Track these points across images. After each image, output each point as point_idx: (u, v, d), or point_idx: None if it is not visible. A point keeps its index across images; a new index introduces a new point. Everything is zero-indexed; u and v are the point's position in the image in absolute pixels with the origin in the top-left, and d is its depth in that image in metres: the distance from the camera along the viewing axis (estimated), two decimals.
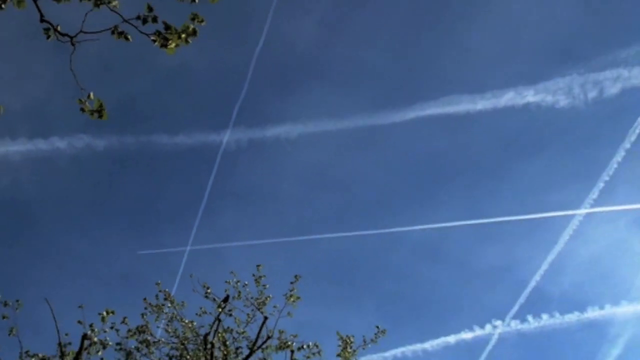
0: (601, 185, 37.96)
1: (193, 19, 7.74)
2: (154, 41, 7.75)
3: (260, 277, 19.45)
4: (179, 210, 45.41)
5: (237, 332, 19.18)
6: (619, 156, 37.58)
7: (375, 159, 48.28)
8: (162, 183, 45.28)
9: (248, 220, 46.73)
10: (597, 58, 40.24)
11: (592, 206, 38.77)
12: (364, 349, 19.64)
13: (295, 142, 41.28)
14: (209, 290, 19.29)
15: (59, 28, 7.53)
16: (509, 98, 38.73)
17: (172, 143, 38.51)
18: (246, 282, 19.37)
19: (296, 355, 19.37)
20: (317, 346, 19.59)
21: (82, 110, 7.72)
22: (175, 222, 44.32)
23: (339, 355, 19.56)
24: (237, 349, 19.13)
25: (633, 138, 37.28)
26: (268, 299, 19.29)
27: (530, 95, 38.24)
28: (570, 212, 39.14)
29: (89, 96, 7.68)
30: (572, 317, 38.51)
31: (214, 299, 19.16)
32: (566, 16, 46.34)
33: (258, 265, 19.58)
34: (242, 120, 38.63)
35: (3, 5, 7.25)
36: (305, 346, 19.53)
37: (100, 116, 7.81)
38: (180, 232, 41.04)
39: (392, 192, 48.99)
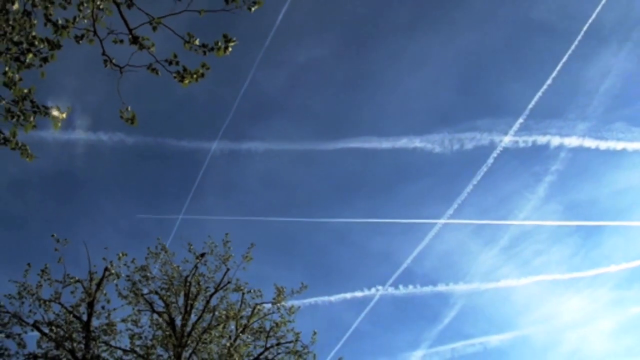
0: (455, 205, 38.61)
1: (202, 66, 7.79)
2: (175, 77, 7.79)
3: (227, 241, 19.46)
4: (177, 191, 44.89)
5: (207, 277, 19.20)
6: (468, 188, 38.37)
7: (312, 172, 48.41)
8: (167, 171, 44.68)
9: (223, 203, 46.33)
10: (461, 123, 41.16)
11: (448, 218, 39.34)
12: (291, 296, 19.82)
13: (261, 154, 41.13)
14: (191, 247, 19.30)
15: (114, 61, 7.56)
16: (403, 142, 39.38)
17: (178, 145, 38.13)
18: (217, 244, 19.47)
19: (245, 296, 19.52)
20: (259, 291, 19.66)
21: (121, 117, 7.73)
22: (174, 199, 43.73)
23: (274, 299, 19.67)
24: (206, 287, 19.13)
25: (479, 178, 38.13)
26: (230, 257, 19.27)
27: (417, 142, 38.86)
28: (433, 221, 39.56)
29: (127, 108, 7.69)
30: (427, 289, 38.92)
31: (194, 253, 19.15)
32: (445, 93, 47.23)
33: (226, 234, 19.67)
34: (226, 136, 38.44)
35: (80, 42, 7.26)
36: (252, 290, 19.64)
37: (132, 122, 7.82)
38: (176, 205, 40.41)
39: (320, 195, 49.13)
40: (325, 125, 46.22)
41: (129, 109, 7.72)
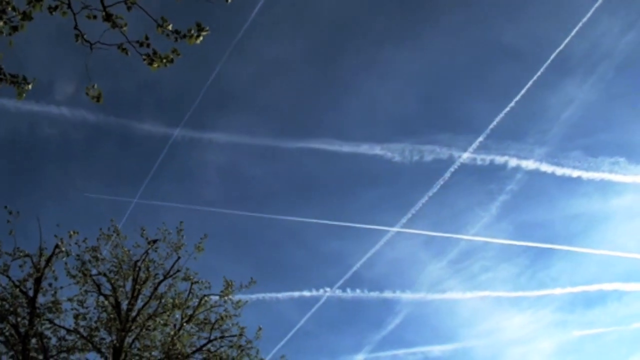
0: (409, 215, 39.11)
1: (173, 51, 7.82)
2: (144, 60, 7.78)
3: (180, 230, 19.37)
4: (134, 175, 44.38)
5: (157, 263, 19.06)
6: (423, 199, 38.95)
7: (271, 168, 48.40)
8: (126, 153, 44.07)
9: (180, 191, 45.96)
10: (423, 136, 41.83)
11: (401, 227, 39.85)
12: (239, 290, 19.82)
13: (222, 146, 41.06)
14: (144, 232, 19.16)
15: (85, 36, 7.51)
16: (363, 148, 39.87)
17: (140, 128, 37.83)
18: (170, 232, 19.36)
19: (194, 286, 19.45)
20: (208, 283, 19.58)
21: (87, 93, 7.68)
22: (130, 181, 43.26)
23: (222, 292, 19.65)
24: (155, 274, 18.99)
25: (434, 190, 38.72)
26: (183, 245, 19.21)
27: (377, 149, 39.33)
28: (386, 228, 40.02)
29: (93, 85, 7.65)
30: (374, 294, 39.43)
31: (147, 238, 19.01)
32: (410, 104, 47.87)
33: (181, 222, 19.57)
34: (189, 124, 38.09)
35: (54, 12, 7.20)
36: (201, 281, 19.58)
37: (98, 100, 7.78)
38: (132, 188, 39.80)
39: (277, 192, 49.10)
40: (288, 124, 46.32)
41: (96, 86, 7.69)
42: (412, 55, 46.71)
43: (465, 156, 38.57)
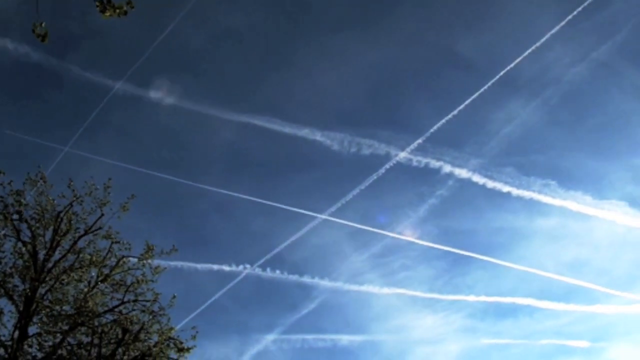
0: (339, 205, 39.58)
1: (128, 3, 7.66)
2: (97, 6, 7.59)
3: (108, 186, 18.93)
4: (69, 122, 43.06)
5: (80, 217, 18.58)
6: (355, 191, 39.50)
7: (209, 138, 48.09)
8: (64, 98, 42.76)
9: (113, 146, 44.90)
10: (364, 129, 42.37)
11: (329, 215, 40.34)
12: (159, 256, 19.57)
13: (163, 107, 40.42)
14: (71, 183, 18.60)
15: None
16: (304, 132, 40.01)
17: (81, 75, 36.64)
18: (97, 187, 18.88)
19: (114, 245, 19.07)
20: (129, 244, 19.20)
21: (33, 31, 7.43)
22: (64, 128, 41.95)
23: (141, 255, 19.34)
24: (77, 228, 18.51)
25: (367, 184, 39.31)
26: (108, 202, 18.79)
27: (318, 135, 39.56)
28: (315, 214, 40.41)
29: (41, 24, 7.41)
30: (293, 278, 39.85)
31: (73, 190, 18.53)
32: (356, 97, 48.28)
33: (109, 179, 19.15)
34: (133, 79, 37.13)
35: None
36: (121, 241, 19.20)
37: (43, 39, 7.55)
38: (64, 136, 38.67)
39: (212, 163, 48.82)
40: (232, 96, 45.89)
41: (43, 25, 7.44)
42: (367, 49, 47.11)
43: (402, 155, 39.24)
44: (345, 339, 43.94)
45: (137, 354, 17.99)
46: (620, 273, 45.30)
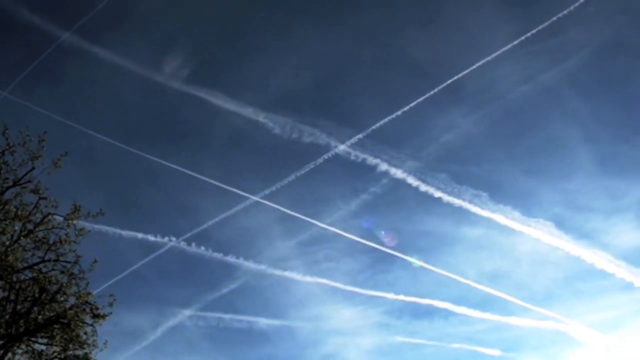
0: (273, 188, 39.62)
1: None
2: None
3: (42, 140, 18.37)
4: (8, 66, 41.03)
5: (10, 168, 17.95)
6: (291, 177, 39.62)
7: (150, 102, 46.81)
8: (6, 41, 40.83)
9: (53, 99, 43.13)
10: (308, 117, 42.02)
11: (262, 198, 40.31)
12: (85, 218, 19.20)
13: (108, 65, 39.24)
14: (6, 131, 17.93)
15: None
16: (248, 111, 40.13)
17: (28, 17, 35.26)
18: (32, 139, 18.29)
19: (41, 201, 18.57)
20: (56, 202, 18.72)
21: None
22: (4, 71, 39.97)
23: (67, 215, 18.96)
24: (5, 178, 17.86)
25: (303, 172, 39.50)
26: (41, 156, 18.25)
27: (261, 117, 39.58)
28: (247, 195, 40.36)
29: None
30: (217, 255, 39.71)
31: (7, 139, 17.89)
32: (306, 83, 48.33)
33: (45, 132, 18.55)
34: (81, 31, 35.90)
35: None
36: (49, 198, 18.73)
37: None
38: (4, 80, 36.85)
39: (150, 130, 47.88)
40: (180, 64, 44.86)
41: None
42: (322, 38, 47.19)
43: (342, 148, 39.60)
44: (262, 322, 44.20)
45: (52, 314, 17.69)
46: (537, 289, 47.11)
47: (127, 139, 43.53)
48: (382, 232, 44.62)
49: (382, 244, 43.04)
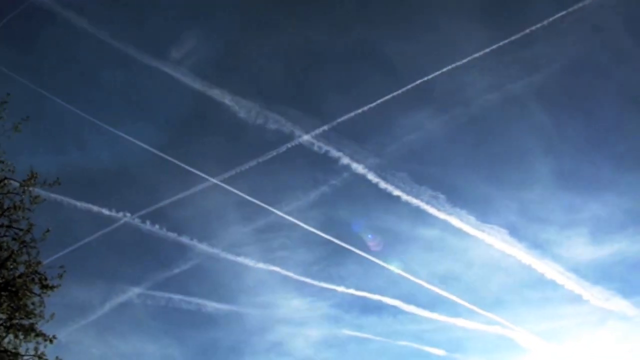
0: (233, 172, 40.39)
1: None
2: None
3: (5, 102, 18.11)
4: None
5: None
6: (252, 163, 40.47)
7: (118, 76, 46.03)
8: None
9: (19, 60, 42.11)
10: (275, 103, 41.74)
11: (221, 181, 40.63)
12: (42, 186, 18.90)
13: (78, 35, 38.56)
14: None
15: None
16: (214, 92, 40.31)
17: None
18: None
19: None
20: (12, 166, 18.29)
21: None
22: None
23: (24, 181, 18.64)
24: None
25: (266, 158, 40.34)
26: (2, 118, 17.97)
27: (227, 99, 40.21)
28: (207, 177, 40.59)
29: None
30: (172, 235, 40.60)
31: None
32: (275, 70, 48.06)
33: (8, 94, 18.33)
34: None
35: None
36: (6, 162, 18.27)
37: None
38: None
39: (111, 100, 46.88)
40: (149, 39, 44.12)
41: None
42: (295, 26, 47.05)
43: (306, 138, 39.79)
44: (211, 305, 44.17)
45: (0, 281, 17.43)
46: (486, 294, 47.83)
47: (91, 109, 42.65)
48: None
49: (337, 236, 43.34)
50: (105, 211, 40.14)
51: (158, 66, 40.63)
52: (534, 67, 44.82)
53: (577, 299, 42.08)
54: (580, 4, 39.59)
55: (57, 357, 17.71)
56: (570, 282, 41.93)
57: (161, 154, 41.47)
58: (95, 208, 39.95)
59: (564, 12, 39.60)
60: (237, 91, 41.36)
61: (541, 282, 43.54)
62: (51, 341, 17.91)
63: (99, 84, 46.11)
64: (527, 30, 39.96)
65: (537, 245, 44.01)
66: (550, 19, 39.72)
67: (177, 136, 47.34)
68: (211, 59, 46.19)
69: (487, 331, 43.61)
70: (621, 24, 45.57)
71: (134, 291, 42.79)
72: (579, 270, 43.04)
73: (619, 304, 42.50)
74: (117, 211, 40.30)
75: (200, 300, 43.81)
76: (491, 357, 46.76)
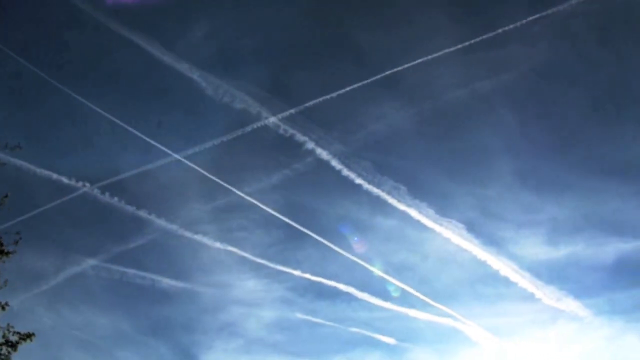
0: (196, 149, 40.79)
1: None
2: None
3: None
4: None
5: None
6: (216, 141, 40.61)
7: (85, 41, 45.04)
8: None
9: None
10: (242, 83, 41.56)
11: (184, 157, 40.98)
12: (2, 150, 18.67)
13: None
14: None
15: None
16: (183, 67, 40.07)
17: None
18: None
19: None
20: None
21: None
22: None
23: None
24: None
25: (230, 137, 40.42)
26: None
27: (195, 74, 40.15)
28: (169, 152, 40.59)
29: None
30: (130, 208, 40.54)
31: None
32: (243, 50, 47.68)
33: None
34: None
35: None
36: None
37: None
38: None
39: (79, 64, 45.81)
40: (124, 5, 43.26)
41: None
42: (272, 10, 46.56)
43: (272, 120, 39.79)
44: (165, 281, 44.15)
45: None
46: (439, 286, 48.32)
47: (56, 73, 41.85)
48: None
49: (297, 220, 43.52)
50: (65, 179, 39.69)
51: (128, 35, 40.06)
52: (503, 67, 45.41)
53: (529, 297, 43.17)
54: (554, 9, 40.34)
55: (8, 324, 17.58)
56: (523, 280, 42.96)
57: (125, 125, 40.91)
58: (55, 176, 39.45)
59: (537, 16, 40.27)
60: (206, 67, 41.12)
61: (495, 279, 44.50)
62: (3, 308, 17.73)
63: (67, 47, 45.10)
64: (499, 31, 40.40)
65: (494, 242, 44.95)
66: (523, 21, 40.25)
67: (141, 108, 46.66)
68: (182, 34, 45.65)
69: (439, 323, 44.43)
70: (591, 32, 46.51)
71: (88, 262, 42.56)
72: (533, 269, 44.03)
73: (571, 304, 43.76)
74: (77, 180, 39.87)
75: (154, 276, 43.80)
76: (441, 348, 47.54)
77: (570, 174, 48.93)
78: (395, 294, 44.19)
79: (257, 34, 47.60)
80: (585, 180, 48.10)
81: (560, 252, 47.35)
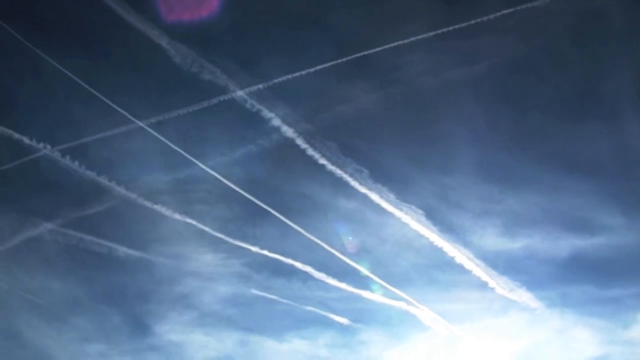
0: (160, 118, 41.14)
1: None
2: None
3: None
4: None
5: None
6: (181, 111, 41.13)
7: (60, 3, 44.30)
8: None
9: None
10: (213, 55, 41.21)
11: (147, 125, 41.18)
12: None
13: None
14: None
15: None
16: (152, 33, 39.79)
17: None
18: None
19: None
20: None
21: None
22: None
23: None
24: None
25: (195, 108, 40.65)
26: None
27: (164, 42, 40.08)
28: (134, 119, 40.49)
29: None
30: (90, 174, 40.90)
31: None
32: (216, 22, 46.43)
33: None
34: None
35: None
36: None
37: None
38: None
39: (51, 25, 44.56)
40: None
41: None
42: None
43: (239, 94, 39.60)
44: (122, 250, 44.04)
45: None
46: (395, 270, 48.30)
47: (23, 28, 41.08)
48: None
49: (258, 196, 43.50)
50: (26, 140, 39.30)
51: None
52: (474, 58, 45.13)
53: (483, 285, 43.97)
54: (529, 5, 40.11)
55: None
56: (478, 269, 43.60)
57: (89, 88, 40.51)
58: (17, 135, 39.03)
59: (511, 10, 39.93)
60: (176, 36, 40.60)
61: (450, 266, 44.94)
62: None
63: (37, 3, 44.32)
64: (473, 22, 40.39)
65: (451, 230, 45.19)
66: (498, 14, 40.10)
67: (108, 72, 45.50)
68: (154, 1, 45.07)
69: (392, 306, 44.96)
70: (565, 31, 46.41)
71: (45, 226, 42.30)
72: (488, 259, 44.72)
73: (523, 295, 44.64)
74: (38, 142, 39.47)
75: (112, 244, 43.67)
76: (393, 330, 47.91)
77: (532, 168, 48.82)
78: (352, 276, 44.55)
79: (229, 7, 47.09)
80: (545, 175, 47.92)
81: (516, 244, 47.46)
